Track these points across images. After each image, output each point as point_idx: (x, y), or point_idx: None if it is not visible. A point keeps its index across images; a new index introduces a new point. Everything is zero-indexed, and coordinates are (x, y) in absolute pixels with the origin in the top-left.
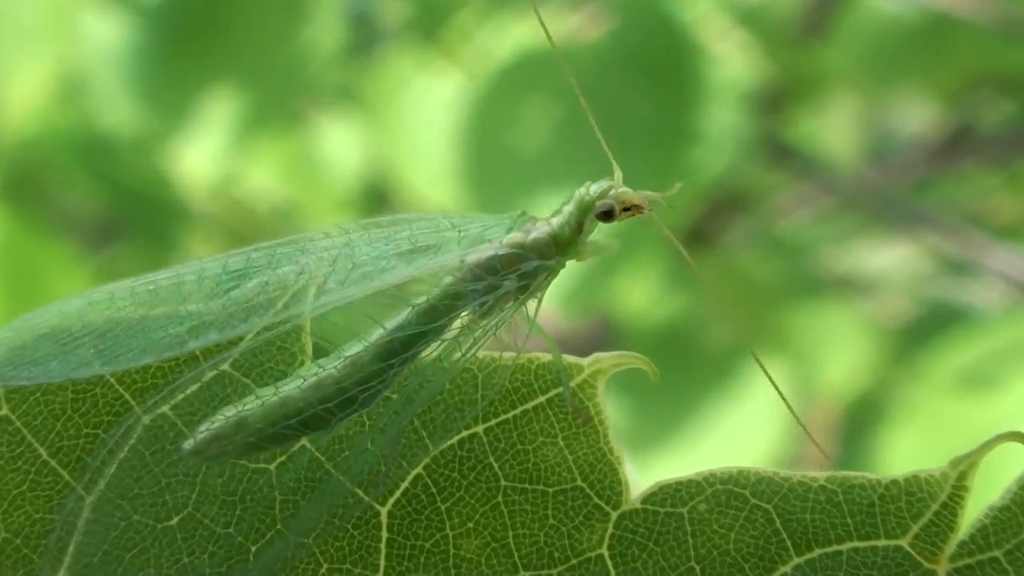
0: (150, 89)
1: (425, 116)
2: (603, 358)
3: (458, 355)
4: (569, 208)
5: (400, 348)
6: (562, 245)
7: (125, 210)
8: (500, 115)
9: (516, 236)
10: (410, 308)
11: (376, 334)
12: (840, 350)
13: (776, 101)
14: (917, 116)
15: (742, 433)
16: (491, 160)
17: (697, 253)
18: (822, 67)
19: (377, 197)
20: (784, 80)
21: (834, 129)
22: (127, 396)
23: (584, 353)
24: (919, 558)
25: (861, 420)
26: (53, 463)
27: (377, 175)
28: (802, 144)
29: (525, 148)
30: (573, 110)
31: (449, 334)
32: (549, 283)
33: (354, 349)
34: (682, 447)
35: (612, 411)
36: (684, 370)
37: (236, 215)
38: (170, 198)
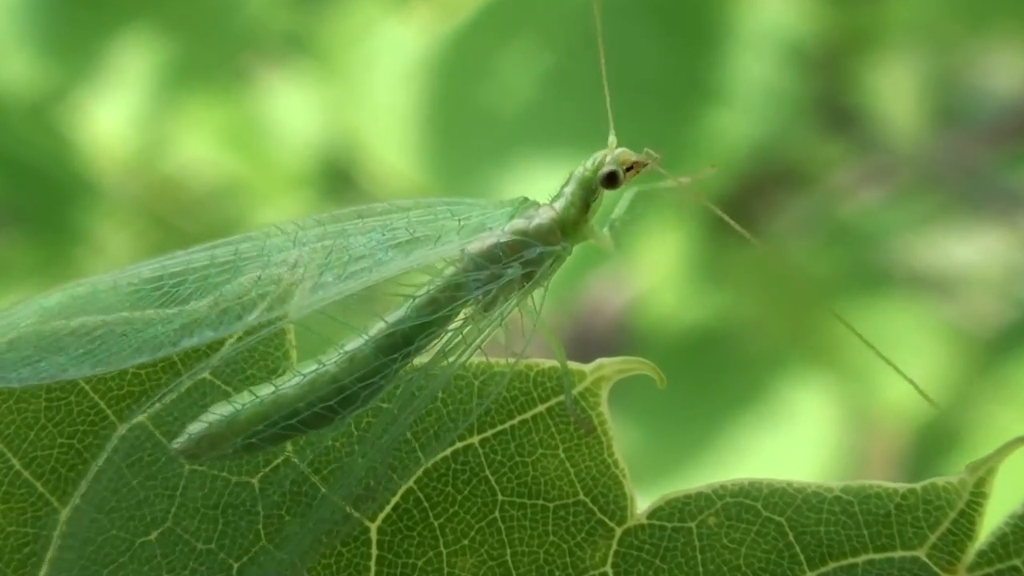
0: (47, 33)
1: (393, 70)
2: (607, 363)
3: (462, 350)
4: (570, 188)
5: (402, 342)
6: (568, 229)
7: (14, 190)
8: (474, 65)
9: (519, 223)
10: (410, 300)
11: (376, 328)
12: (909, 361)
13: (833, 56)
14: (1011, 71)
15: (785, 460)
16: (462, 120)
17: (735, 241)
18: (890, 11)
19: (338, 172)
20: (843, 28)
21: (905, 89)
22: (102, 404)
23: None
24: (936, 568)
25: (934, 449)
26: (26, 474)
27: (337, 144)
28: (867, 109)
29: (504, 105)
30: (563, 59)
31: (453, 326)
32: (555, 271)
33: (352, 345)
34: (714, 477)
35: (633, 434)
36: (716, 386)
37: (162, 195)
38: (75, 174)
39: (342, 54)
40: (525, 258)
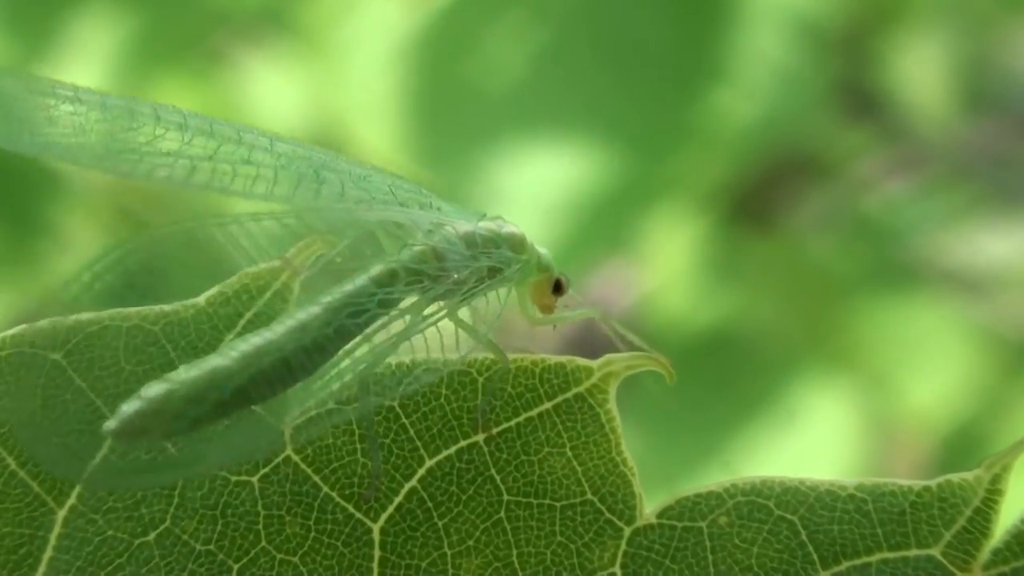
0: (1, 5)
1: (379, 49)
2: (615, 359)
3: (414, 333)
4: (542, 251)
5: (354, 315)
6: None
7: None
8: (463, 42)
9: (490, 223)
10: (372, 270)
11: (332, 297)
12: (936, 364)
13: (856, 34)
14: None
15: (802, 469)
16: (451, 101)
17: (750, 236)
18: None
19: None
20: (866, 4)
21: (935, 72)
22: (99, 403)
23: None
24: (951, 567)
25: (962, 457)
26: (22, 474)
27: (320, 130)
28: (892, 93)
29: (494, 85)
30: (559, 36)
31: (407, 305)
32: (510, 282)
33: (304, 314)
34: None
35: (642, 440)
36: (729, 390)
37: (131, 186)
38: (36, 161)
39: (324, 32)
40: (494, 256)
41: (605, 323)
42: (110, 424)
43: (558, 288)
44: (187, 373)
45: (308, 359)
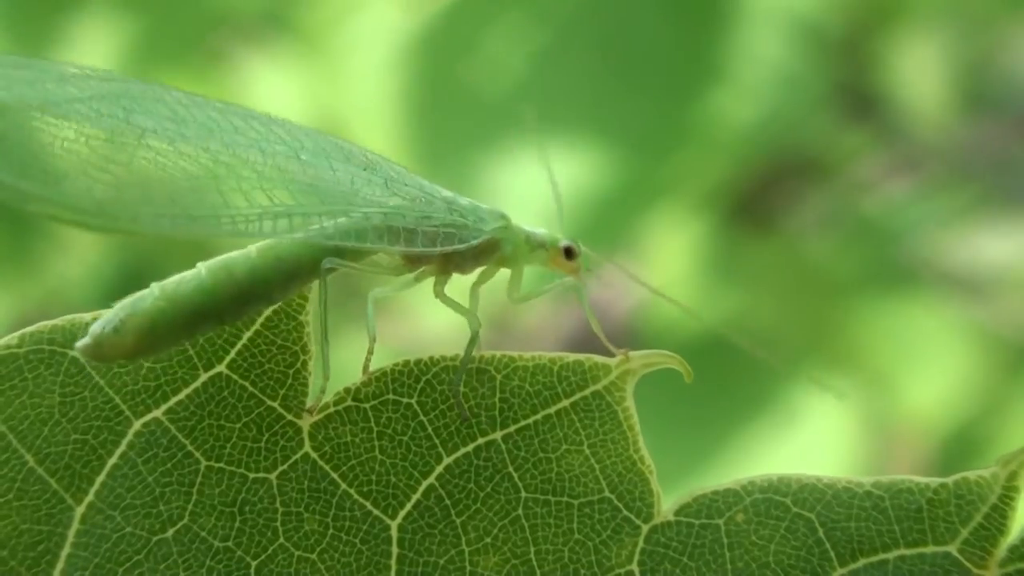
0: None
1: (379, 50)
2: (633, 357)
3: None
4: (543, 232)
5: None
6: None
7: None
8: (463, 43)
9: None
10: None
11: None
12: (936, 365)
13: (855, 35)
14: None
15: (802, 467)
16: (450, 102)
17: (750, 236)
18: None
19: None
20: (866, 5)
21: (934, 73)
22: (117, 400)
23: None
24: (968, 564)
25: (962, 457)
26: (40, 471)
27: (320, 130)
28: (891, 94)
29: (492, 85)
30: (560, 37)
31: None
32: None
33: (284, 252)
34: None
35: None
36: (728, 391)
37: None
38: None
39: (325, 32)
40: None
41: (579, 295)
42: (81, 342)
43: (570, 254)
44: (164, 292)
45: (281, 286)
